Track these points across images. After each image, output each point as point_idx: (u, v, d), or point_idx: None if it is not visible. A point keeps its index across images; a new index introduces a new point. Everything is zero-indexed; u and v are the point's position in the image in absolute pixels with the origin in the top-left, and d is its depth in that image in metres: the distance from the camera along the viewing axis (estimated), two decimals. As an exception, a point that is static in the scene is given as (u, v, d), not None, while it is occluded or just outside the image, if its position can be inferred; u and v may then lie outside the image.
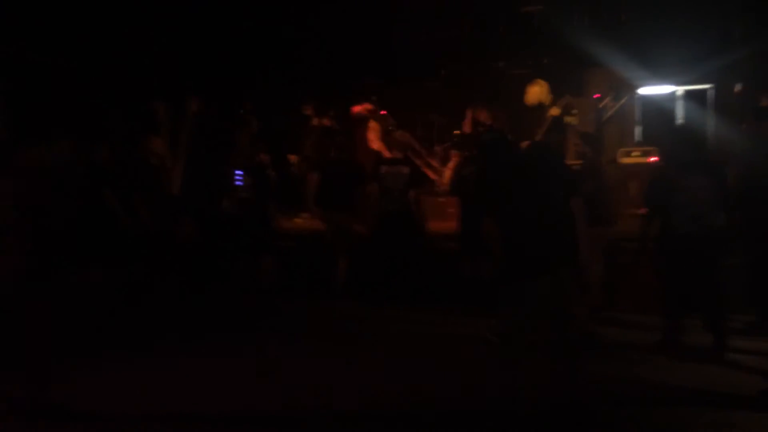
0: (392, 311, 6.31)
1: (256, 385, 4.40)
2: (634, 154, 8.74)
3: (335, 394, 4.19)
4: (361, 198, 6.77)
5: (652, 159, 8.70)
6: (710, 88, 9.29)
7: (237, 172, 9.43)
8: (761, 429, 3.72)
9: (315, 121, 9.69)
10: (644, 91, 9.57)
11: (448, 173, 9.37)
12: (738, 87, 8.62)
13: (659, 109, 9.53)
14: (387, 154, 7.11)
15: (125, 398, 4.12)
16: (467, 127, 7.84)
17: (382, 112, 9.92)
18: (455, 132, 9.73)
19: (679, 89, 9.47)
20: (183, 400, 4.12)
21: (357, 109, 9.39)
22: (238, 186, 7.48)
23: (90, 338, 5.58)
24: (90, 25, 8.22)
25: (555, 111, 6.47)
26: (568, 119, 6.53)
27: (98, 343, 5.46)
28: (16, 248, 3.69)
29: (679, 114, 9.50)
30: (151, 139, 7.26)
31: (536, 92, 6.54)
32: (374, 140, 8.56)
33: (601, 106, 9.36)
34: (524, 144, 5.84)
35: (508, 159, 4.05)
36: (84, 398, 4.02)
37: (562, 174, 3.95)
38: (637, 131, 9.69)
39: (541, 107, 6.50)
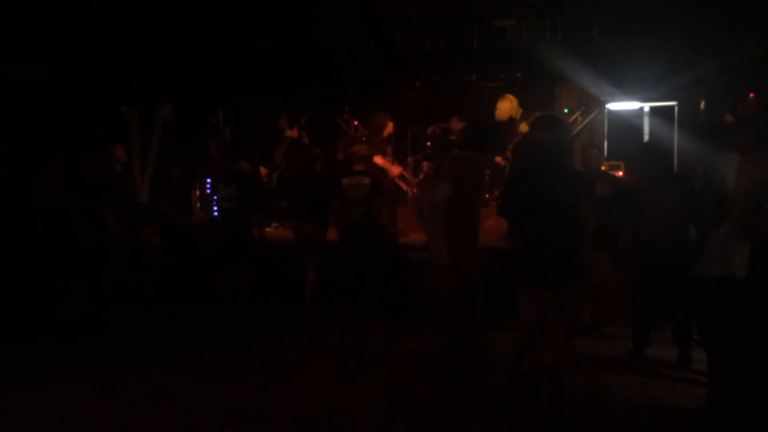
0: (360, 324, 6.29)
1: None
2: (602, 168, 8.90)
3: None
4: (330, 211, 6.78)
5: (620, 173, 8.86)
6: (676, 105, 9.50)
7: (207, 180, 9.37)
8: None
9: (288, 132, 9.67)
10: (613, 106, 9.75)
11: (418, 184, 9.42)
12: (702, 104, 8.84)
13: (627, 124, 9.71)
14: (392, 168, 7.07)
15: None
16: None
17: (354, 123, 9.96)
18: (428, 144, 9.80)
19: (646, 105, 9.67)
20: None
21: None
22: (218, 195, 7.36)
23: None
24: (59, 30, 8.08)
25: (524, 127, 6.54)
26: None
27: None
28: None
29: (646, 130, 9.69)
30: (114, 147, 7.17)
31: (506, 107, 6.61)
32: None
33: (570, 120, 9.52)
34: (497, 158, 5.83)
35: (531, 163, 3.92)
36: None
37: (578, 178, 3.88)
38: (605, 146, 9.86)
39: (511, 122, 6.57)
